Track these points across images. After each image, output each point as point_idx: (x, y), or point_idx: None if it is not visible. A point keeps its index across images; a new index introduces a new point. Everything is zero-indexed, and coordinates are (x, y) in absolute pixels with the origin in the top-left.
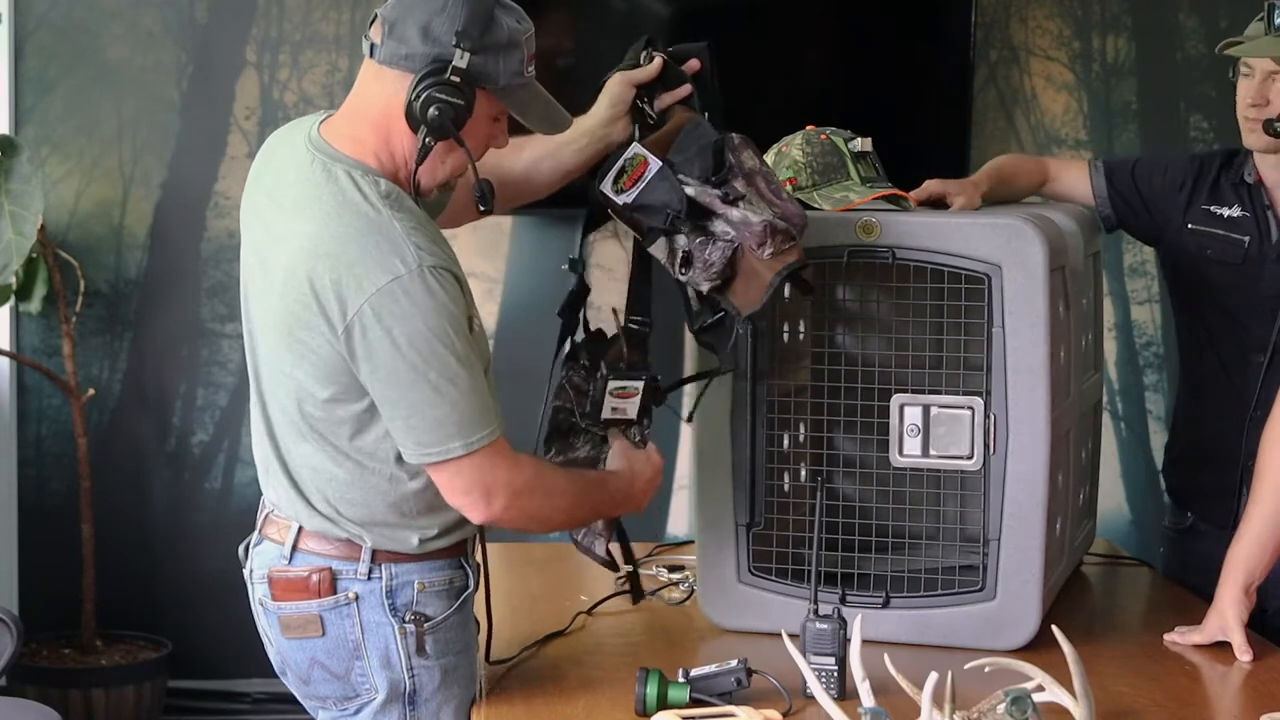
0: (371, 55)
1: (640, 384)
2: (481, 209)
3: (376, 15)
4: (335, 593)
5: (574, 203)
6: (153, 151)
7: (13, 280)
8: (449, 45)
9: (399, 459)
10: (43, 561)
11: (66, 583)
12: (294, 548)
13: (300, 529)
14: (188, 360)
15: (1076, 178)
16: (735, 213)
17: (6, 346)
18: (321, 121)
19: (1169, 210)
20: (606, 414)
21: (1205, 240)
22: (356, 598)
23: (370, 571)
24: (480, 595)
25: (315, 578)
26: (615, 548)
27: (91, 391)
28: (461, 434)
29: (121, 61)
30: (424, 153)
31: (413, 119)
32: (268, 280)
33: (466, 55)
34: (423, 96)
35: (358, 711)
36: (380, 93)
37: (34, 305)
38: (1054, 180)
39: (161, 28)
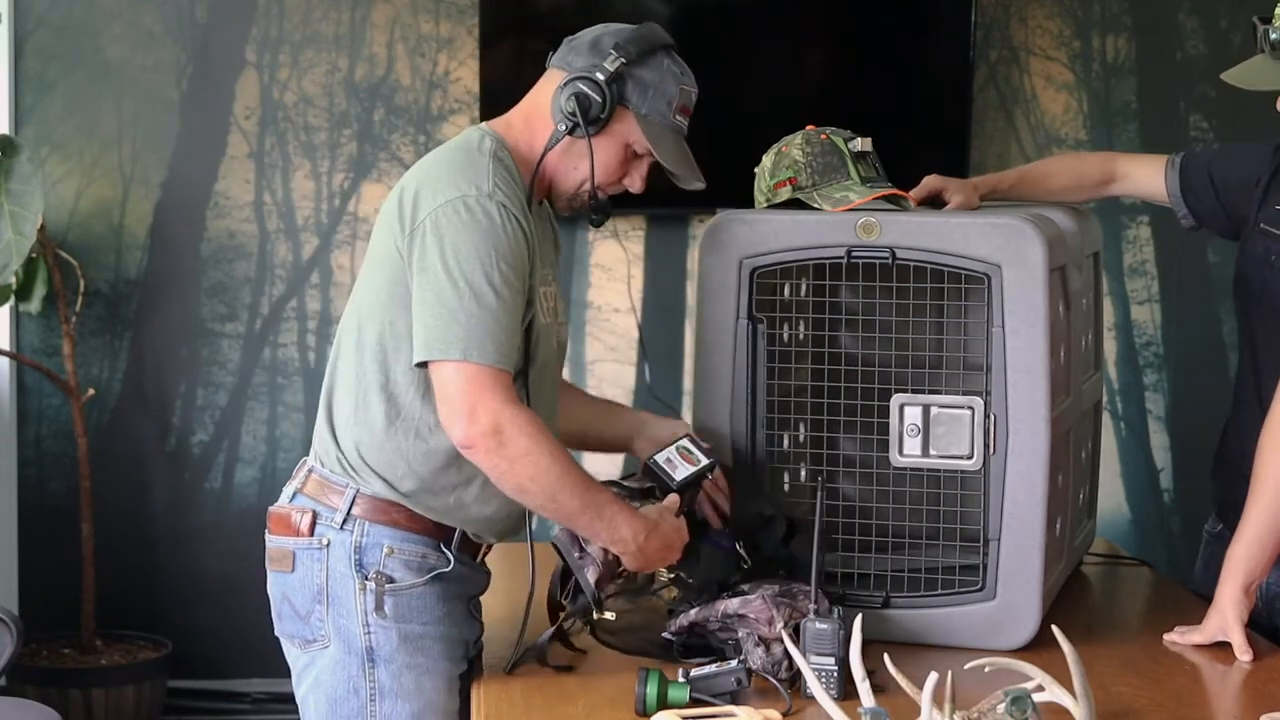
0: (547, 63)
1: (704, 460)
2: (593, 219)
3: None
4: (312, 535)
5: None
6: (153, 151)
7: (13, 280)
8: (607, 54)
9: (423, 402)
10: (43, 561)
11: (66, 583)
12: (297, 490)
13: (309, 472)
14: (188, 360)
15: (1149, 176)
16: (734, 602)
17: (6, 346)
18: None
19: (1243, 207)
20: (660, 461)
21: (1272, 243)
22: (328, 544)
23: (344, 523)
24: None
25: (298, 517)
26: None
27: (91, 391)
28: (465, 341)
29: (121, 61)
30: (554, 140)
31: (554, 107)
32: (381, 215)
33: (618, 62)
34: (566, 86)
35: (314, 660)
36: (539, 89)
37: (34, 305)
38: (1123, 179)
39: (161, 28)
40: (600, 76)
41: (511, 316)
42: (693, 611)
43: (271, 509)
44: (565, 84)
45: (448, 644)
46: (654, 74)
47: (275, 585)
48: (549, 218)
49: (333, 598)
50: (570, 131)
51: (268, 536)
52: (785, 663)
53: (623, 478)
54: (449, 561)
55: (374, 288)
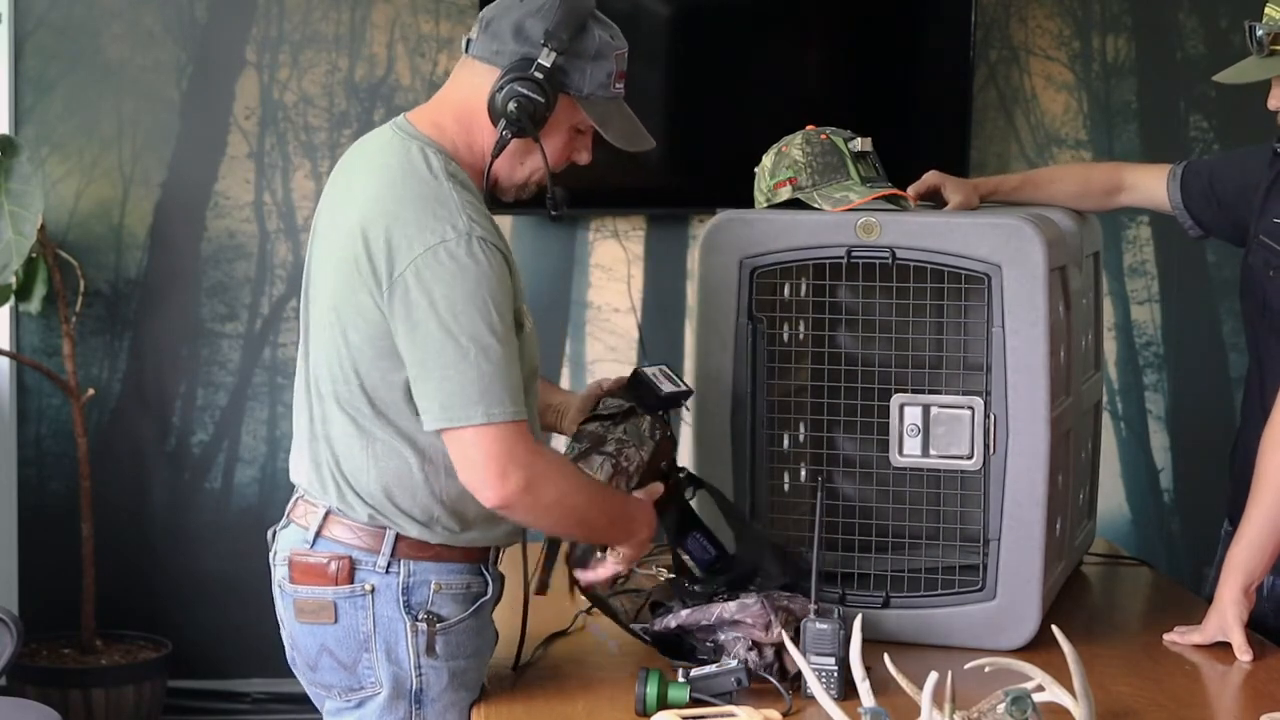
0: (467, 50)
1: (685, 386)
2: (553, 214)
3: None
4: (352, 582)
5: (575, 203)
6: (153, 151)
7: (13, 280)
8: (538, 44)
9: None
10: (43, 561)
11: (66, 583)
12: (318, 534)
13: (327, 514)
14: (188, 360)
15: (1153, 187)
16: (731, 606)
17: (6, 346)
18: (410, 111)
19: (1245, 215)
20: (649, 373)
21: (1271, 256)
22: (372, 590)
23: (389, 565)
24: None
25: (334, 565)
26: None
27: (91, 391)
28: (485, 401)
29: (121, 61)
30: (500, 146)
31: (493, 112)
32: (330, 245)
33: (553, 55)
34: (504, 90)
35: (361, 705)
36: (468, 85)
37: (34, 305)
38: (1130, 190)
39: (161, 28)
40: (539, 75)
41: (515, 358)
42: (684, 613)
43: (294, 558)
44: (502, 86)
45: (482, 672)
46: (589, 51)
47: (310, 637)
48: None
49: (382, 644)
50: (517, 134)
51: (293, 588)
52: (776, 665)
53: (594, 412)
54: (488, 585)
55: (355, 338)
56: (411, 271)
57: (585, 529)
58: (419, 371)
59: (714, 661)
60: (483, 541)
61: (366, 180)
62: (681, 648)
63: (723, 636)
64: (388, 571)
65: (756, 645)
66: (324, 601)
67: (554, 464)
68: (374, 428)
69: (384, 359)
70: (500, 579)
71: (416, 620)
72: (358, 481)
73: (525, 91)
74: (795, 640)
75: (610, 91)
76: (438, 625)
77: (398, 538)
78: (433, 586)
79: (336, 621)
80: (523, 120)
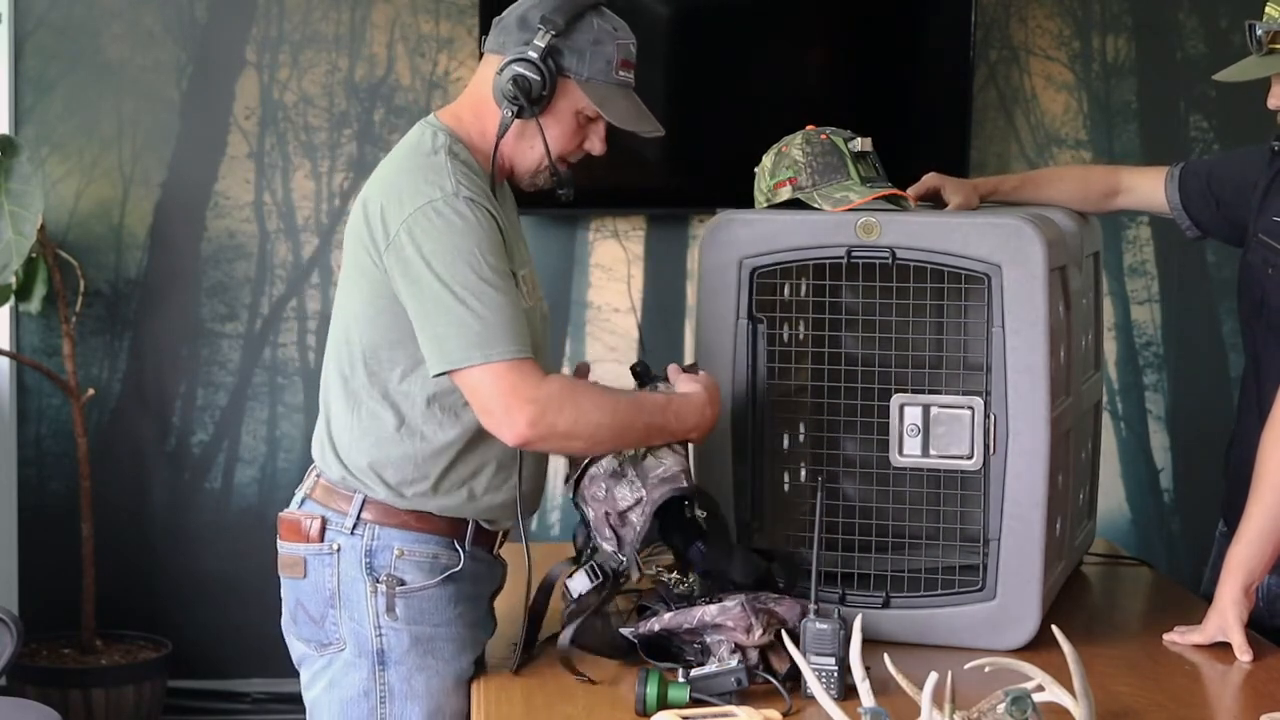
0: (481, 48)
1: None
2: (561, 193)
3: None
4: (322, 541)
5: (575, 203)
6: (153, 151)
7: (13, 280)
8: (535, 29)
9: (426, 404)
10: (43, 561)
11: (66, 583)
12: (306, 495)
13: (317, 478)
14: (188, 360)
15: (1151, 189)
16: (712, 609)
17: (6, 346)
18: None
19: (1244, 214)
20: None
21: (1270, 254)
22: (339, 549)
23: (354, 527)
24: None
25: (308, 523)
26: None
27: (91, 391)
28: (482, 346)
29: (121, 61)
30: (503, 126)
31: (496, 93)
32: (348, 226)
33: (548, 36)
34: (504, 71)
35: (330, 662)
36: (479, 77)
37: (34, 305)
38: (1127, 192)
39: (161, 28)
40: (533, 54)
41: (514, 303)
42: (667, 616)
43: (281, 515)
44: (502, 68)
45: (459, 645)
46: (586, 37)
47: (288, 591)
48: (511, 199)
49: (345, 601)
50: (518, 115)
51: (279, 543)
52: (760, 667)
53: None
54: (460, 560)
55: (357, 303)
56: (404, 230)
57: (624, 440)
58: (421, 323)
59: (701, 664)
60: (455, 512)
61: (382, 165)
62: (668, 650)
63: (708, 639)
64: (353, 533)
65: (739, 648)
66: (296, 557)
67: (563, 389)
68: (362, 391)
69: (381, 316)
70: (497, 565)
71: (378, 581)
72: (340, 442)
73: (521, 70)
74: (795, 641)
75: (613, 78)
76: (398, 588)
77: (365, 501)
78: (395, 552)
79: (306, 576)
80: (520, 98)
